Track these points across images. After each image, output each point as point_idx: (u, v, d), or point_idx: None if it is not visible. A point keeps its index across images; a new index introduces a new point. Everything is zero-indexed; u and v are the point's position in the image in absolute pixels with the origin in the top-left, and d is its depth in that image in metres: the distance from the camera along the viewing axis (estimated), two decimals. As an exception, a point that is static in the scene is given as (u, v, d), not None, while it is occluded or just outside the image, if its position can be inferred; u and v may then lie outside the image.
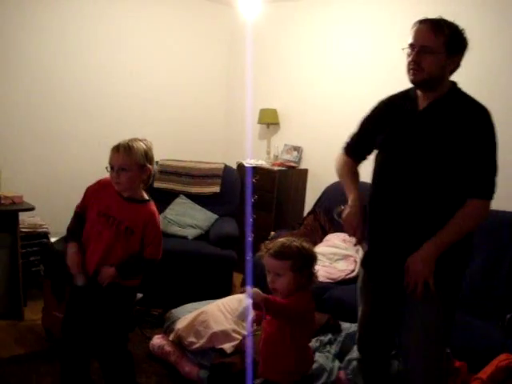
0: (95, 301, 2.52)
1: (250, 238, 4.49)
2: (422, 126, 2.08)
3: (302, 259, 2.12)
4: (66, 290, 3.24)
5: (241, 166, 5.12)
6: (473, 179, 2.01)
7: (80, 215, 2.59)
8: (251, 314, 2.13)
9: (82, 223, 2.56)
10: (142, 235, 2.47)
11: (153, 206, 2.55)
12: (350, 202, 2.23)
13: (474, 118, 2.00)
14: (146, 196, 2.56)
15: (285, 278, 2.11)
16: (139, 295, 3.71)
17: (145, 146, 2.49)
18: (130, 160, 2.41)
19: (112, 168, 2.44)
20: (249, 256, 3.90)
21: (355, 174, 2.39)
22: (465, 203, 2.02)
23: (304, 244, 2.18)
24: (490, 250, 3.39)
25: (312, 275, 2.17)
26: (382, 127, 2.23)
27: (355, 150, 2.41)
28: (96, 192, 2.57)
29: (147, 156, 2.48)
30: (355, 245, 2.31)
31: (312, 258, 2.17)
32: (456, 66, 2.07)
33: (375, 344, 2.37)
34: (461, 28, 2.04)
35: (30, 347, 3.36)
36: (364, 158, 2.40)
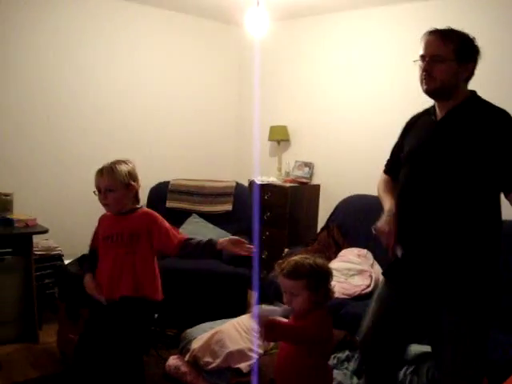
0: (114, 319, 2.52)
1: (256, 255, 4.48)
2: (441, 135, 2.08)
3: (317, 277, 2.09)
4: (80, 313, 3.24)
5: (252, 184, 5.11)
6: (508, 178, 1.98)
7: (93, 251, 2.71)
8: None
9: (95, 257, 2.67)
10: (149, 237, 2.53)
11: (145, 208, 2.68)
12: (385, 213, 2.24)
13: (496, 120, 1.99)
14: (137, 205, 2.65)
15: (300, 297, 2.09)
16: (154, 316, 3.70)
17: (128, 166, 2.59)
18: (114, 180, 2.52)
19: (99, 191, 2.55)
20: (256, 274, 3.88)
21: (393, 189, 2.39)
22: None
23: (318, 261, 2.15)
24: (505, 258, 3.33)
25: (328, 292, 2.14)
26: (405, 145, 2.27)
27: (392, 170, 2.43)
28: (99, 227, 2.71)
29: (131, 175, 2.57)
30: (391, 254, 2.24)
31: (327, 275, 2.15)
32: (470, 73, 2.08)
33: (385, 355, 2.32)
34: (471, 36, 2.06)
35: (45, 370, 3.35)
36: None
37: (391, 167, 2.46)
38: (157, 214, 2.60)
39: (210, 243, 2.57)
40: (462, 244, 2.02)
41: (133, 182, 2.57)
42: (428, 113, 2.22)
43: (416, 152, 2.17)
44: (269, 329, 2.00)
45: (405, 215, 2.17)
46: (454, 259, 2.04)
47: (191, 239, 2.59)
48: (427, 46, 2.05)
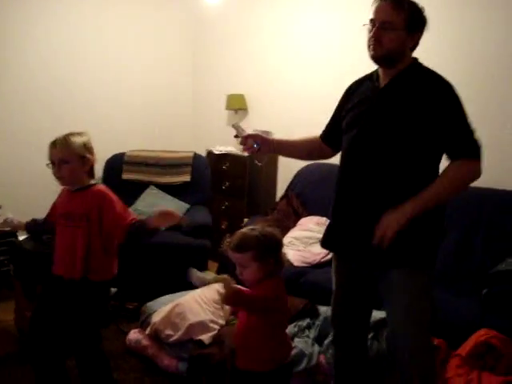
0: (65, 299, 2.47)
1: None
2: (383, 102, 2.10)
3: (264, 247, 2.08)
4: (37, 290, 3.17)
5: (210, 154, 5.06)
6: (451, 140, 2.02)
7: (45, 220, 2.68)
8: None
9: (45, 225, 2.66)
10: (100, 219, 2.43)
11: (99, 186, 2.54)
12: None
13: (436, 87, 2.03)
14: (92, 182, 2.55)
15: (250, 268, 2.08)
16: (113, 289, 3.66)
17: (82, 138, 2.49)
18: (69, 151, 2.42)
19: (53, 163, 2.45)
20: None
21: (306, 143, 2.61)
22: (448, 165, 2.03)
23: (265, 231, 2.13)
24: (463, 226, 3.41)
25: (279, 260, 2.13)
26: (346, 111, 2.27)
27: (328, 136, 2.48)
28: (56, 202, 2.63)
29: (86, 146, 2.48)
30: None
31: (275, 244, 2.13)
32: (415, 43, 2.11)
33: (351, 324, 2.36)
34: (420, 6, 2.07)
35: (3, 349, 3.29)
36: (338, 144, 2.38)
37: (328, 135, 2.49)
38: (109, 197, 2.48)
39: (142, 225, 2.48)
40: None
41: (88, 155, 2.47)
42: (371, 78, 2.22)
43: (359, 118, 2.17)
44: (234, 295, 2.02)
45: (348, 180, 2.19)
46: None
47: (133, 224, 2.48)
48: (378, 11, 2.04)
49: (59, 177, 2.46)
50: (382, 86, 2.13)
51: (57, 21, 4.62)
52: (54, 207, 2.63)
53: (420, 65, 2.13)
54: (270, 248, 2.09)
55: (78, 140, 2.45)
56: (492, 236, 3.30)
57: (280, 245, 2.16)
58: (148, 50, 5.35)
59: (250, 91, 5.25)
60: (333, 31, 4.56)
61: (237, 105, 5.22)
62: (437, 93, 2.01)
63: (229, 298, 2.06)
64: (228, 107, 5.26)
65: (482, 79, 3.58)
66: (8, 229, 2.84)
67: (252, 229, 2.14)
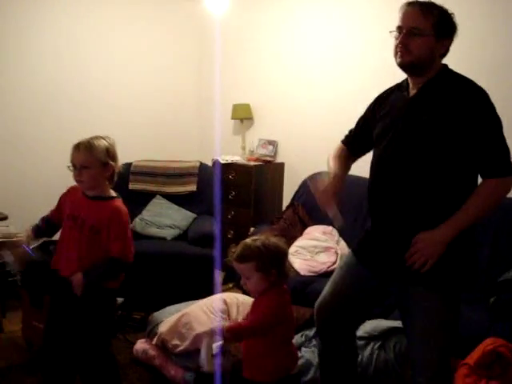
0: (75, 306, 2.46)
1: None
2: (413, 113, 2.04)
3: (265, 258, 2.08)
4: (44, 299, 3.18)
5: (216, 163, 5.07)
6: (485, 159, 1.95)
7: (48, 219, 2.63)
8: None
9: (49, 226, 2.63)
10: (108, 234, 2.42)
11: (118, 202, 2.51)
12: (329, 176, 2.24)
13: (469, 96, 1.95)
14: (113, 193, 2.53)
15: (252, 279, 2.09)
16: (120, 300, 3.66)
17: (106, 143, 2.47)
18: (91, 157, 2.40)
19: (74, 166, 2.42)
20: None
21: (343, 158, 2.37)
22: (481, 184, 1.98)
23: (268, 241, 2.13)
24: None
25: (282, 271, 2.13)
26: (376, 122, 2.21)
27: (351, 142, 2.42)
28: (66, 197, 2.58)
29: (109, 153, 2.46)
30: (322, 212, 2.23)
31: (277, 255, 2.12)
32: (445, 50, 2.05)
33: (337, 320, 2.32)
34: (450, 12, 2.02)
35: (11, 360, 3.29)
36: (361, 153, 2.38)
37: (352, 140, 2.42)
38: (125, 217, 2.47)
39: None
40: (433, 222, 1.99)
41: (111, 161, 2.45)
42: (400, 88, 2.17)
43: (388, 129, 2.12)
44: (231, 338, 2.08)
45: (377, 193, 2.15)
46: None
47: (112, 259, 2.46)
48: (405, 17, 2.00)
49: (79, 180, 2.44)
50: (412, 95, 2.07)
51: (61, 30, 4.65)
52: (61, 206, 2.58)
53: (451, 71, 2.07)
54: (272, 259, 2.09)
55: (101, 145, 2.43)
56: (499, 244, 3.28)
57: (283, 256, 2.16)
58: (154, 59, 5.37)
59: (255, 101, 5.27)
60: (340, 43, 4.57)
61: (242, 114, 5.24)
62: (469, 103, 1.94)
63: (229, 339, 2.08)
64: (234, 117, 5.27)
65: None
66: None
67: (255, 239, 2.14)
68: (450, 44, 2.04)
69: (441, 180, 1.98)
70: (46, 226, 2.65)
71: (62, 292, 2.50)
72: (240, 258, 2.10)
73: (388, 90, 2.27)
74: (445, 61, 2.11)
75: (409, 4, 2.01)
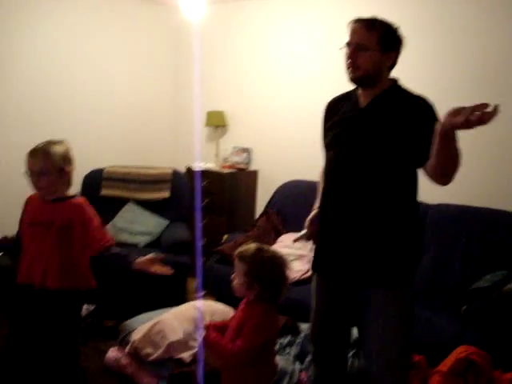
0: (40, 312, 2.43)
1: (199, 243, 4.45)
2: (364, 123, 2.11)
3: (255, 272, 2.09)
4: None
5: (190, 170, 5.05)
6: (424, 150, 1.94)
7: (18, 238, 2.60)
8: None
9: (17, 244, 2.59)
10: (74, 232, 2.41)
11: (79, 199, 2.51)
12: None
13: (416, 107, 2.04)
14: (71, 194, 2.53)
15: (239, 280, 2.14)
16: (91, 307, 3.61)
17: (62, 148, 2.45)
18: (48, 164, 2.38)
19: (31, 173, 2.40)
20: (199, 262, 3.87)
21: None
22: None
23: (273, 263, 2.15)
24: (441, 243, 3.45)
25: (271, 293, 2.13)
26: (326, 131, 2.30)
27: None
28: (24, 211, 2.56)
29: (65, 158, 2.44)
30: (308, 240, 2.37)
31: (270, 278, 2.13)
32: (393, 62, 2.12)
33: (331, 342, 2.35)
34: (395, 26, 2.10)
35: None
36: None
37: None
38: (88, 210, 2.48)
39: (126, 260, 2.50)
40: (383, 226, 2.07)
41: (67, 167, 2.44)
42: (350, 97, 2.24)
43: (339, 138, 2.18)
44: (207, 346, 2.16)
45: (330, 199, 2.21)
46: (377, 241, 2.08)
47: (112, 248, 2.51)
48: (352, 34, 2.08)
49: (37, 187, 2.42)
50: (364, 105, 2.15)
51: (37, 36, 4.57)
52: (23, 219, 2.56)
53: (400, 86, 2.16)
54: (262, 278, 2.09)
55: (57, 151, 2.41)
56: (471, 253, 3.34)
57: (277, 281, 2.15)
58: (128, 65, 5.33)
59: (229, 108, 5.27)
60: (313, 49, 4.62)
61: (216, 121, 5.23)
62: (413, 113, 2.03)
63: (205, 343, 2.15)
64: (208, 124, 5.26)
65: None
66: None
67: (266, 251, 2.18)
68: (396, 56, 2.12)
69: (388, 185, 2.07)
70: (17, 240, 2.61)
71: (25, 295, 2.45)
72: (240, 255, 2.16)
73: (335, 98, 2.34)
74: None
75: (355, 21, 2.09)
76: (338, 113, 2.25)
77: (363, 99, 2.16)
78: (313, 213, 2.32)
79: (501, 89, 3.59)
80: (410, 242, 2.12)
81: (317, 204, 2.33)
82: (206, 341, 2.10)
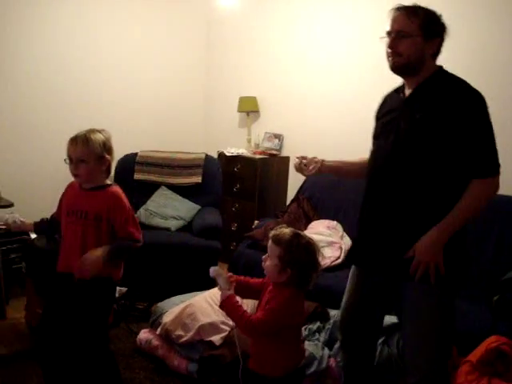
0: (74, 297, 2.46)
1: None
2: (407, 113, 2.08)
3: (290, 255, 2.08)
4: (48, 288, 3.19)
5: (222, 155, 5.08)
6: (472, 160, 1.98)
7: (53, 217, 2.67)
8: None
9: (52, 223, 2.65)
10: (109, 221, 2.42)
11: (114, 188, 2.51)
12: None
13: (462, 97, 1.98)
14: (108, 182, 2.54)
15: (271, 262, 2.11)
16: (123, 289, 3.67)
17: (103, 137, 2.45)
18: (88, 151, 2.39)
19: (70, 160, 2.42)
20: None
21: (358, 159, 2.46)
22: (468, 185, 2.00)
23: (307, 249, 2.11)
24: (474, 232, 3.39)
25: (302, 279, 2.11)
26: (377, 120, 2.30)
27: None
28: (63, 196, 2.60)
29: (105, 146, 2.45)
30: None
31: (304, 263, 2.09)
32: (436, 50, 2.08)
33: (359, 330, 2.36)
34: (437, 13, 2.07)
35: (14, 346, 3.30)
36: None
37: None
38: (124, 200, 2.47)
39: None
40: (426, 218, 2.05)
41: (107, 155, 2.45)
42: (397, 90, 2.23)
43: (384, 129, 2.18)
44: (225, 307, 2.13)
45: (372, 192, 2.20)
46: (414, 234, 2.06)
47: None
48: (393, 22, 2.06)
49: (76, 174, 2.43)
50: (407, 95, 2.12)
51: (71, 23, 4.62)
52: (61, 205, 2.60)
53: (446, 72, 2.10)
54: (296, 262, 2.08)
55: (98, 139, 2.42)
56: (503, 243, 3.29)
57: (310, 267, 2.12)
58: (161, 52, 5.36)
59: (262, 94, 5.26)
60: (346, 36, 4.56)
61: (249, 107, 5.23)
62: (462, 103, 1.97)
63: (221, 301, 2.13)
64: (240, 109, 5.27)
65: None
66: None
67: (302, 237, 2.14)
68: (440, 44, 2.08)
69: (433, 178, 2.03)
70: (49, 223, 2.68)
71: (62, 282, 2.49)
72: (275, 238, 2.12)
73: (386, 95, 2.34)
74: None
75: (396, 9, 2.07)
76: (386, 105, 2.27)
77: (407, 89, 2.14)
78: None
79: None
80: (455, 239, 2.06)
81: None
82: (225, 304, 2.09)
